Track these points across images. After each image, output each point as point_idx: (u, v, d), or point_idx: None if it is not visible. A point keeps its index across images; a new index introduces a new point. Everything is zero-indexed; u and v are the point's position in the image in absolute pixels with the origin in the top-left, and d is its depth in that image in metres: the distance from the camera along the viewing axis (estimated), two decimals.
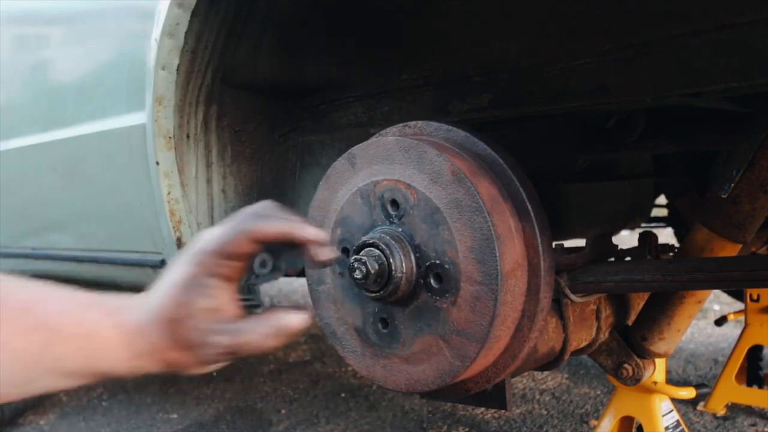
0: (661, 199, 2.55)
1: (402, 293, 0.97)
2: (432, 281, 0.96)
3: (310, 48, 1.44)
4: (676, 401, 1.97)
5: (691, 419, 2.53)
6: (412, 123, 1.11)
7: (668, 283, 1.18)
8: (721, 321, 2.79)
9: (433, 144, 0.99)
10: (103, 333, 0.73)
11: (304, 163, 1.65)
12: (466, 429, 2.56)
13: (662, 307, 1.42)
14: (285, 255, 0.81)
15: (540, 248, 0.99)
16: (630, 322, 1.47)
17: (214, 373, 3.41)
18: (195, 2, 1.25)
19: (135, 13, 1.59)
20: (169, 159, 1.44)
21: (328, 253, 0.77)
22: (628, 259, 1.47)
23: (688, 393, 1.95)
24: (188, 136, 1.47)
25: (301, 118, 1.65)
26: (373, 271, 0.95)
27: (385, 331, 1.02)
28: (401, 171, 0.99)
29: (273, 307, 0.79)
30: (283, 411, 2.90)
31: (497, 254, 0.91)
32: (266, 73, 1.50)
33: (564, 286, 1.22)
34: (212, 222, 1.57)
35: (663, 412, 1.86)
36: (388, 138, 1.04)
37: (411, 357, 1.00)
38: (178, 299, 0.74)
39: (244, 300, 0.81)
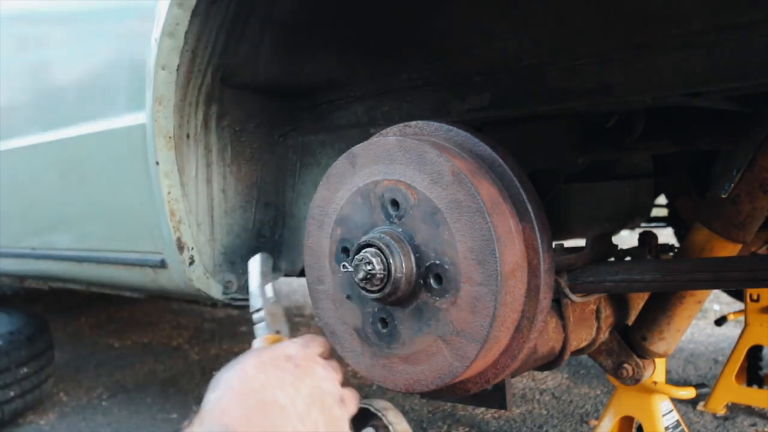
0: (661, 199, 2.55)
1: (402, 293, 0.97)
2: (432, 282, 0.96)
3: (310, 48, 1.44)
4: (676, 401, 1.97)
5: (691, 419, 2.53)
6: (413, 123, 1.11)
7: (668, 283, 1.17)
8: (721, 321, 2.80)
9: (434, 144, 0.99)
10: None
11: (304, 163, 1.65)
12: (466, 429, 2.56)
13: (662, 307, 1.42)
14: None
15: (540, 249, 0.99)
16: (630, 322, 1.47)
17: (215, 372, 3.40)
18: (195, 2, 1.25)
19: (135, 13, 1.59)
20: (169, 159, 1.44)
21: None
22: (628, 259, 1.47)
23: (688, 393, 1.95)
24: (188, 136, 1.47)
25: (301, 118, 1.65)
26: (373, 271, 0.95)
27: (384, 331, 1.02)
28: (402, 171, 0.99)
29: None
30: None
31: (497, 255, 0.91)
32: (266, 72, 1.50)
33: (564, 286, 1.22)
34: (212, 222, 1.57)
35: (663, 412, 1.86)
36: (389, 138, 1.04)
37: (410, 357, 1.00)
38: None
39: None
